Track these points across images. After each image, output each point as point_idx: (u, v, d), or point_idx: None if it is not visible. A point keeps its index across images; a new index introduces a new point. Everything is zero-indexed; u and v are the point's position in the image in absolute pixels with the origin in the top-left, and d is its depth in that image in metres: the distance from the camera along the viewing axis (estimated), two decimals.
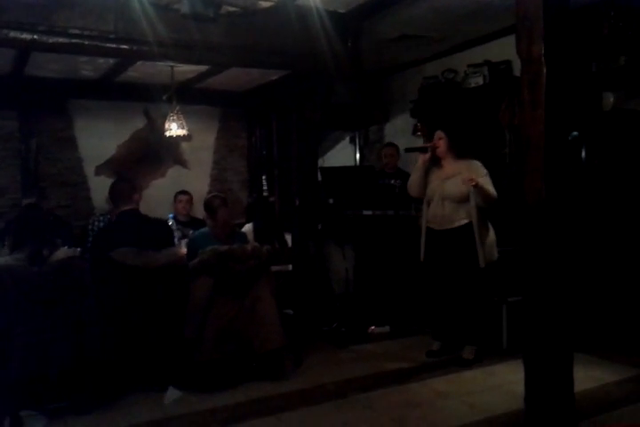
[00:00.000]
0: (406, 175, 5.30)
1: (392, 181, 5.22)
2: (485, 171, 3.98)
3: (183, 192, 5.64)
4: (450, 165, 4.06)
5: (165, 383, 3.62)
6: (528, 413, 2.75)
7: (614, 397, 3.38)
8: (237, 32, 3.99)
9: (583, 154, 4.32)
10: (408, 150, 4.66)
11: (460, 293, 4.01)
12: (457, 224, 3.96)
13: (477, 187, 3.82)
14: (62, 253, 3.32)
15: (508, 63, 4.93)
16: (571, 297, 2.75)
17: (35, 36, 3.48)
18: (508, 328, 4.19)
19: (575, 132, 4.22)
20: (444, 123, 4.84)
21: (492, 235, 4.02)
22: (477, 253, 3.87)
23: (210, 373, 3.59)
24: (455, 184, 3.96)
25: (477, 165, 4.01)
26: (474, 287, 3.96)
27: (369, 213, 4.96)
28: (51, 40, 3.55)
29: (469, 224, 3.92)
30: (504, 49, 4.67)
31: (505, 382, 3.61)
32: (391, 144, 5.77)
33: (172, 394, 3.57)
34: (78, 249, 3.92)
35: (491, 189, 3.89)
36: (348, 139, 7.09)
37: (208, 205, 3.97)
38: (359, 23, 4.54)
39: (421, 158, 4.12)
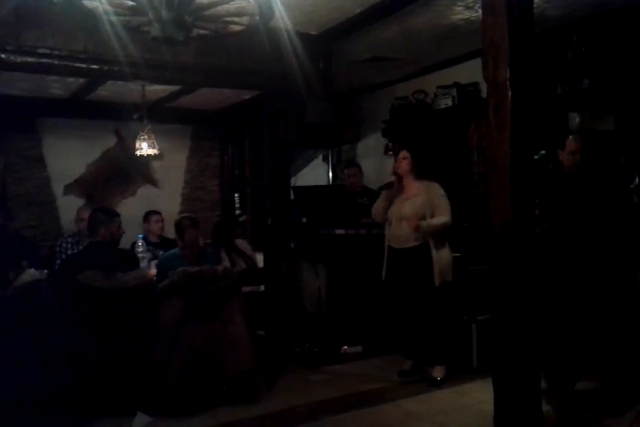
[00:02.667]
0: (373, 193, 5.34)
1: (360, 200, 5.24)
2: (443, 193, 4.08)
3: (155, 212, 5.56)
4: (409, 186, 4.16)
5: (134, 409, 3.54)
6: None
7: None
8: (209, 53, 4.01)
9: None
10: (380, 189, 4.45)
11: (420, 311, 4.05)
12: (414, 243, 4.04)
13: (420, 230, 3.94)
14: (28, 275, 3.25)
15: (475, 85, 5.03)
16: (538, 316, 2.77)
17: (2, 56, 3.44)
18: (478, 347, 4.21)
19: (543, 151, 4.31)
20: (413, 143, 4.88)
21: (448, 255, 4.08)
22: (433, 272, 3.95)
23: (179, 397, 3.53)
24: (412, 205, 4.06)
25: (436, 186, 4.12)
26: (431, 306, 4.01)
27: (341, 231, 4.98)
28: (19, 59, 3.50)
29: (426, 244, 4.00)
30: (472, 71, 4.77)
31: (475, 401, 3.62)
32: (353, 164, 5.80)
33: (141, 420, 3.49)
34: (45, 271, 3.87)
35: (437, 221, 3.98)
36: (320, 157, 7.12)
37: (177, 226, 3.96)
38: (331, 45, 4.60)
39: (385, 192, 4.21)
